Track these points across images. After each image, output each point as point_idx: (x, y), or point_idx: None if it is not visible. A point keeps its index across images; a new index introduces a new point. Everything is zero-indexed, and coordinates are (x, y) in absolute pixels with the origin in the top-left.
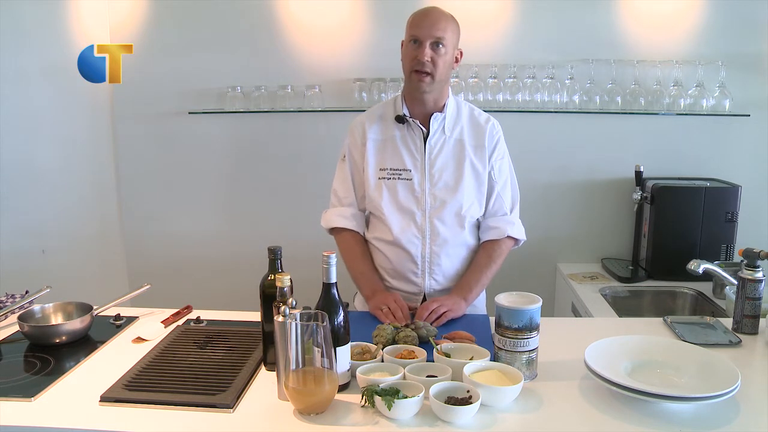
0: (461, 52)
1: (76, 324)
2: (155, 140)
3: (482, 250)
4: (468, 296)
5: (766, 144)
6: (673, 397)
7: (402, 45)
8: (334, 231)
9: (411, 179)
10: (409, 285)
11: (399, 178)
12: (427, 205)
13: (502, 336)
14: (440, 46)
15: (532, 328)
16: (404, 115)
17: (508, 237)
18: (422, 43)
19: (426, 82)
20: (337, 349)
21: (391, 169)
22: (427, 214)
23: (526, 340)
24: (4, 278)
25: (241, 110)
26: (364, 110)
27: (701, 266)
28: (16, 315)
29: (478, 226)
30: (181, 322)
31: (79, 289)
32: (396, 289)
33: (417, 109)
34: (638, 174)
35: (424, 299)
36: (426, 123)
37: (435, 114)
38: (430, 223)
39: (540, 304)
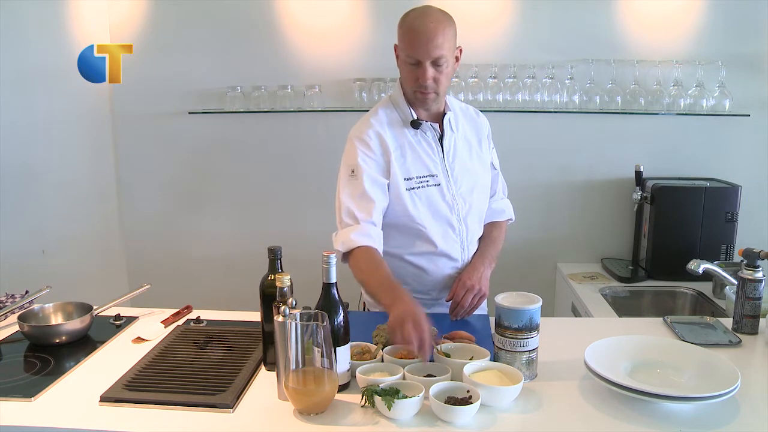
0: (460, 50)
1: (76, 324)
2: (155, 140)
3: (491, 227)
4: (491, 267)
5: (766, 144)
6: (673, 397)
7: (396, 52)
8: (349, 252)
9: (439, 184)
10: (448, 288)
11: (427, 185)
12: (458, 209)
13: (502, 336)
14: (441, 62)
15: (532, 328)
16: (419, 119)
17: None
18: (422, 64)
19: (431, 98)
20: (337, 349)
21: (417, 177)
22: (462, 218)
23: (526, 340)
24: (4, 278)
25: (241, 110)
26: (365, 110)
27: (701, 266)
28: (16, 315)
29: None
30: (181, 322)
31: (79, 289)
32: (434, 296)
33: (423, 112)
34: (638, 174)
35: None
36: (435, 123)
37: (446, 115)
38: (465, 225)
39: (540, 304)
